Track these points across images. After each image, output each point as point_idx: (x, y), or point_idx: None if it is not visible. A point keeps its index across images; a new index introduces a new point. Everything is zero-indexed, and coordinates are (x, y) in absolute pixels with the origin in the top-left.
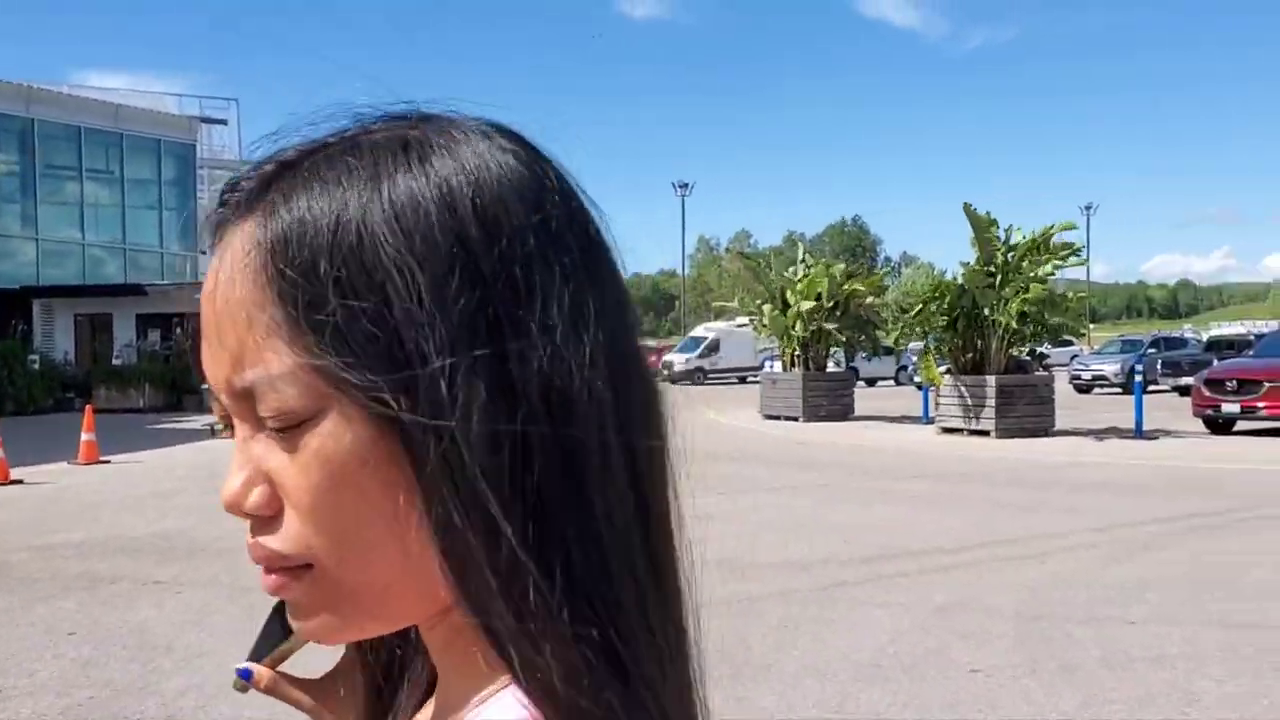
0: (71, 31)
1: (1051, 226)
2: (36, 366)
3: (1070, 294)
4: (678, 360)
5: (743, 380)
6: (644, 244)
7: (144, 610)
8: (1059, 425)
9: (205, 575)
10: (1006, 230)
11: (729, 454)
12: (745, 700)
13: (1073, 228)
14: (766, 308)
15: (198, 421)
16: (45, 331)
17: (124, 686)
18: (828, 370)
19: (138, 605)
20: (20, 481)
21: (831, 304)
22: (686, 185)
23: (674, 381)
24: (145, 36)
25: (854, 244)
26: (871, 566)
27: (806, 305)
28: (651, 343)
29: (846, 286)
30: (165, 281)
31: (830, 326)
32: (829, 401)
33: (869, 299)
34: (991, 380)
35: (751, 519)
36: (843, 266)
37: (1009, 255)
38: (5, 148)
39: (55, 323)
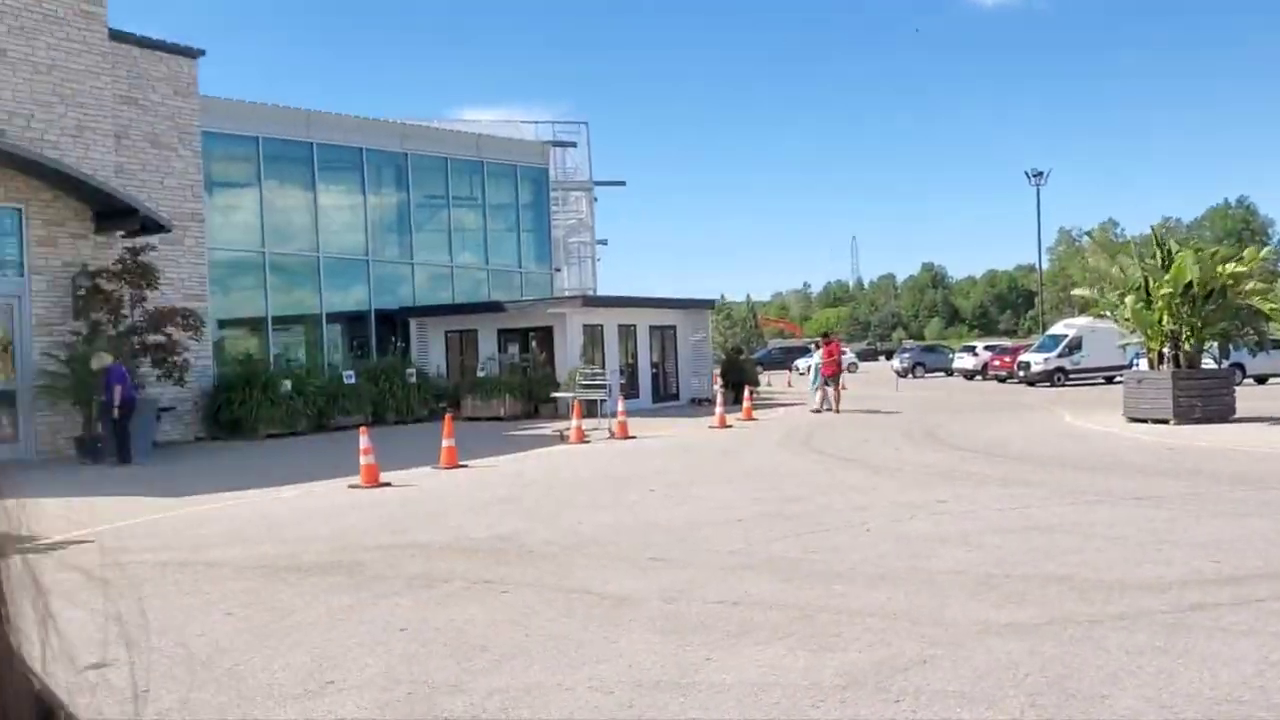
0: (444, 73)
1: None
2: (414, 379)
3: None
4: (1036, 360)
5: (1109, 380)
6: (999, 238)
7: (470, 609)
8: None
9: (532, 577)
10: None
11: (1085, 461)
12: None
13: None
14: (1129, 299)
15: (549, 428)
16: (420, 348)
17: (438, 684)
18: (1203, 367)
19: (466, 604)
20: (389, 484)
21: (1206, 292)
22: (1041, 174)
23: (1031, 383)
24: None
25: (1239, 228)
26: (1240, 589)
27: (1165, 292)
28: (1008, 342)
29: (1223, 270)
30: (524, 298)
31: (1200, 320)
32: (1204, 402)
33: (1250, 285)
34: None
35: (1103, 533)
36: (1218, 250)
37: None
38: (385, 181)
39: (429, 339)
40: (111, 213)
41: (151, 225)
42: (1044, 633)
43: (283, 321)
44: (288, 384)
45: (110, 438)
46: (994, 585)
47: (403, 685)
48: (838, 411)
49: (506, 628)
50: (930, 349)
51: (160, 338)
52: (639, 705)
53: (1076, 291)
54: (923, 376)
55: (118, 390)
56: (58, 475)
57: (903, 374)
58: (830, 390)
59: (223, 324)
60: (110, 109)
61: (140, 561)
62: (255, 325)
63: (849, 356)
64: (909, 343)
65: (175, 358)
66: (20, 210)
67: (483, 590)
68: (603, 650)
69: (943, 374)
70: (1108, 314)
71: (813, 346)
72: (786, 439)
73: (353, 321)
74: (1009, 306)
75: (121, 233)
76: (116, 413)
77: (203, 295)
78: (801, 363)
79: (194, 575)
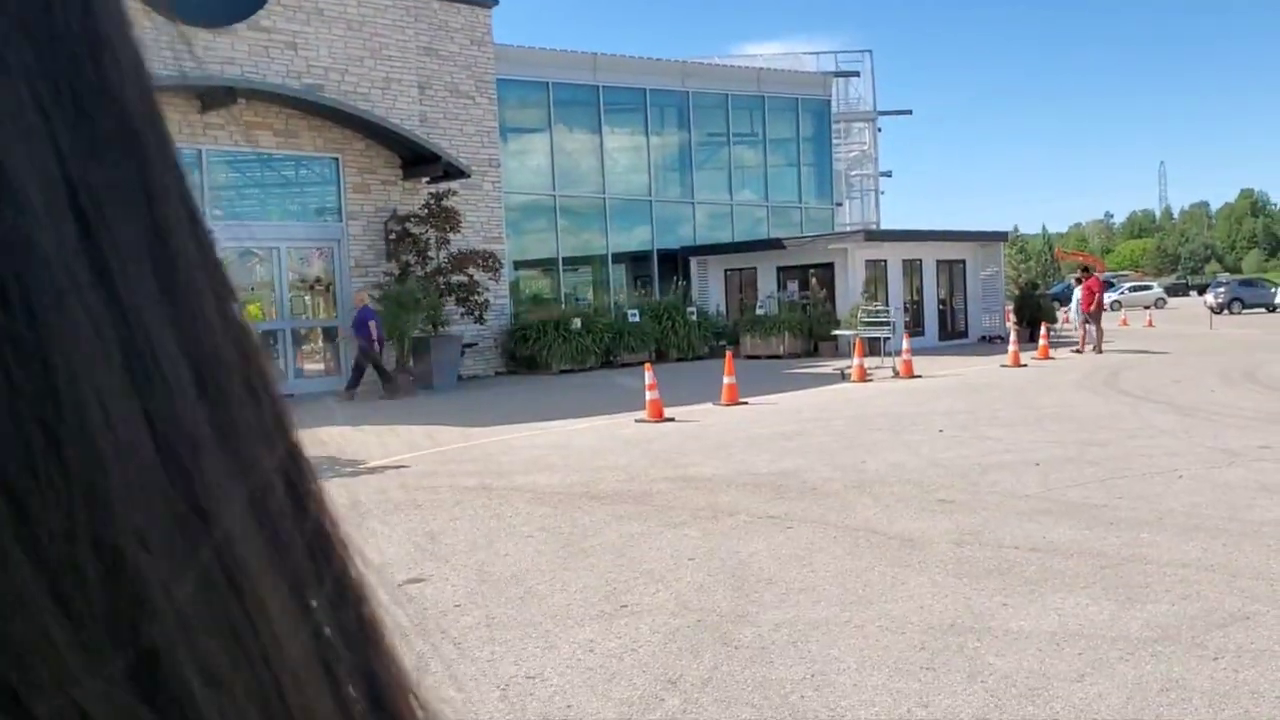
0: (724, 8)
1: None
2: (694, 317)
3: None
4: None
5: None
6: None
7: (755, 543)
8: None
9: (815, 514)
10: None
11: None
12: None
13: None
14: None
15: (829, 366)
16: (700, 286)
17: (726, 613)
18: None
19: (750, 538)
20: (672, 419)
21: None
22: None
23: None
24: (787, 4)
25: None
26: None
27: None
28: None
29: None
30: (804, 234)
31: None
32: None
33: None
34: None
35: None
36: None
37: None
38: (668, 121)
39: (709, 278)
40: (416, 160)
41: (453, 171)
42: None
43: (572, 262)
44: (578, 322)
45: (374, 371)
46: None
47: (692, 612)
48: (1100, 351)
49: (791, 563)
50: (1248, 283)
51: (463, 278)
52: (931, 648)
53: None
54: (1240, 313)
55: (372, 326)
56: (376, 405)
57: (1217, 310)
58: (1091, 328)
59: (516, 265)
60: (414, 61)
61: (450, 486)
62: (547, 266)
63: (1155, 291)
64: (1224, 276)
65: (476, 297)
66: (337, 159)
67: (766, 525)
68: (891, 590)
69: (1264, 310)
70: None
71: (1073, 281)
72: (1087, 378)
73: (636, 261)
74: None
75: (426, 179)
76: (377, 346)
77: (500, 238)
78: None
79: (498, 500)
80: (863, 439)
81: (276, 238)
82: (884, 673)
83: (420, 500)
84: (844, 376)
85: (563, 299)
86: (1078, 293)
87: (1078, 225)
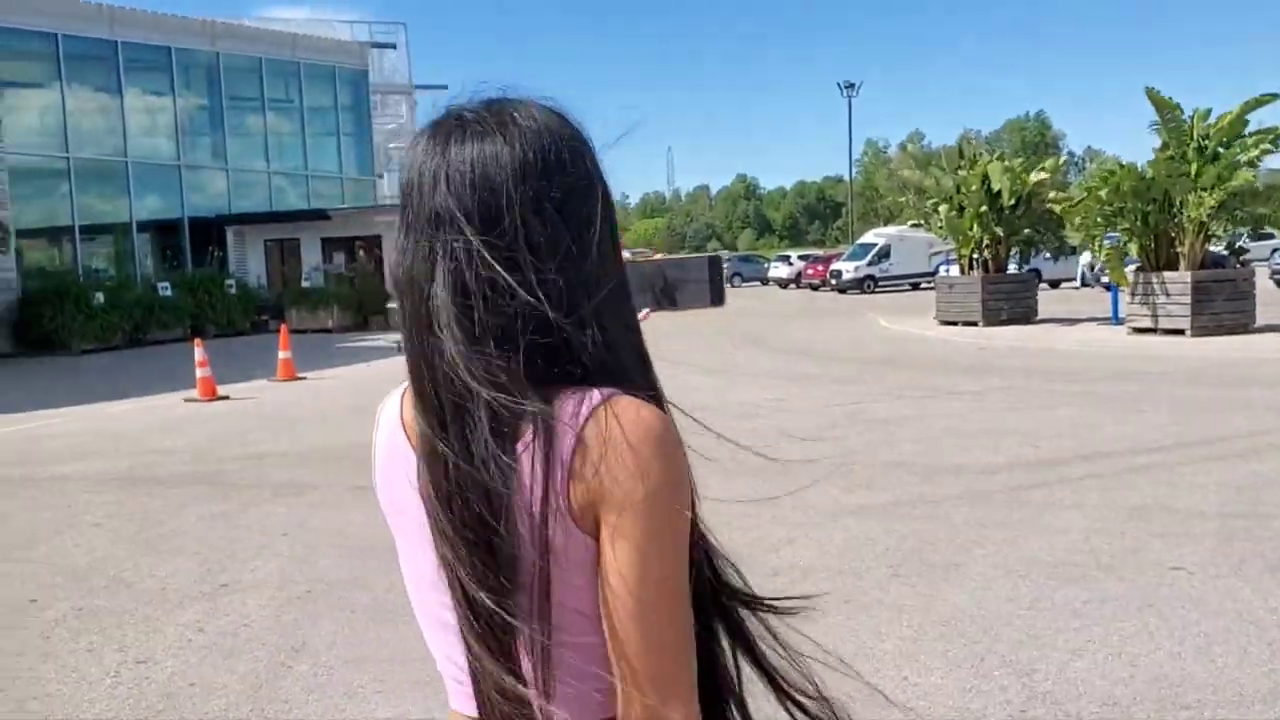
0: None
1: (1249, 103)
2: (234, 291)
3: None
4: (846, 268)
5: (915, 287)
6: (809, 150)
7: (349, 514)
8: (1260, 322)
9: None
10: (1194, 115)
11: (907, 360)
12: (934, 597)
13: (1271, 100)
14: (943, 209)
15: (382, 340)
16: (239, 258)
17: (337, 581)
18: (1008, 272)
19: (343, 509)
20: (226, 398)
21: (1013, 201)
22: (853, 85)
23: (842, 290)
24: None
25: (1035, 140)
26: (1060, 470)
27: (976, 202)
28: (819, 252)
29: (1028, 179)
30: (346, 205)
31: (1007, 227)
32: (1010, 305)
33: (1051, 193)
34: (1187, 276)
35: (934, 425)
36: (1021, 161)
37: (1203, 140)
38: (195, 83)
39: (247, 249)
40: None
41: None
42: (896, 512)
43: (89, 231)
44: (100, 296)
45: None
46: (845, 473)
47: (299, 584)
48: None
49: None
50: (746, 259)
51: None
52: None
53: (901, 199)
54: (740, 286)
55: None
56: None
57: None
58: None
59: (20, 234)
60: None
61: None
62: (57, 235)
63: None
64: (725, 253)
65: None
66: None
67: (358, 496)
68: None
69: (758, 283)
70: (922, 223)
71: None
72: None
73: (164, 231)
74: (817, 217)
75: None
76: None
77: (3, 203)
78: None
79: (47, 490)
80: None
81: None
82: None
83: None
84: (399, 350)
85: (80, 272)
86: None
87: None
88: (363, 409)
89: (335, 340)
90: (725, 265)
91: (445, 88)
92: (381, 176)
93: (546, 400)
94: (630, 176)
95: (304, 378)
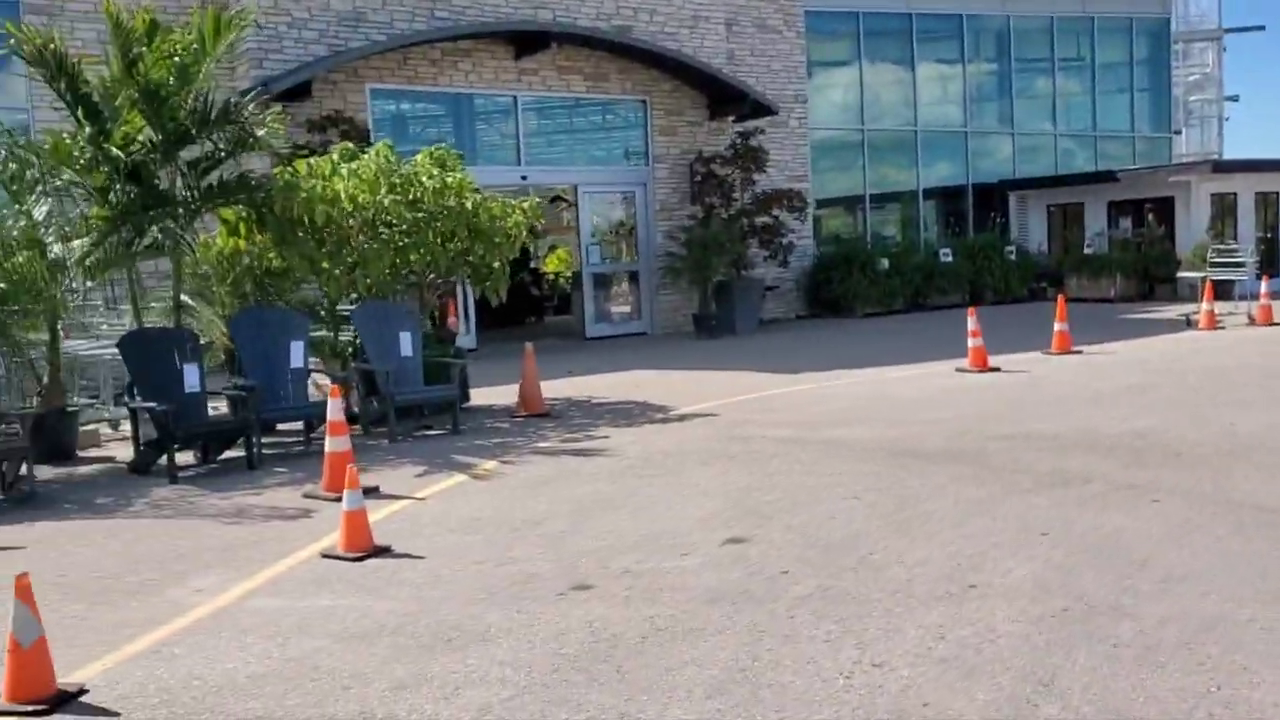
0: None
1: None
2: (1012, 257)
3: None
4: None
5: None
6: None
7: (1116, 517)
8: None
9: (1185, 483)
10: None
11: None
12: None
13: None
14: None
15: (1171, 311)
16: (1019, 223)
17: (1097, 603)
18: None
19: (1110, 511)
20: (998, 369)
21: None
22: None
23: None
24: None
25: None
26: None
27: None
28: None
29: None
30: (1138, 166)
31: None
32: None
33: None
34: None
35: None
36: None
37: None
38: (984, 48)
39: (1029, 214)
40: (722, 99)
41: (760, 109)
42: None
43: (879, 199)
44: (885, 262)
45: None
46: None
47: (1055, 598)
48: None
49: (1166, 543)
50: None
51: (767, 219)
52: None
53: None
54: None
55: None
56: (677, 348)
57: None
58: None
59: (819, 204)
60: None
61: (761, 437)
62: (851, 204)
63: None
64: None
65: (780, 239)
66: (645, 102)
67: (1127, 495)
68: None
69: None
70: None
71: None
72: None
73: (948, 197)
74: None
75: (732, 118)
76: None
77: (804, 176)
78: None
79: (814, 454)
80: (1225, 396)
81: (583, 182)
82: None
83: (733, 451)
84: (1189, 323)
85: (869, 239)
86: None
87: None
88: (1141, 390)
89: (1116, 310)
90: None
91: (1263, 28)
92: (1179, 133)
93: None
94: None
95: (1079, 351)
